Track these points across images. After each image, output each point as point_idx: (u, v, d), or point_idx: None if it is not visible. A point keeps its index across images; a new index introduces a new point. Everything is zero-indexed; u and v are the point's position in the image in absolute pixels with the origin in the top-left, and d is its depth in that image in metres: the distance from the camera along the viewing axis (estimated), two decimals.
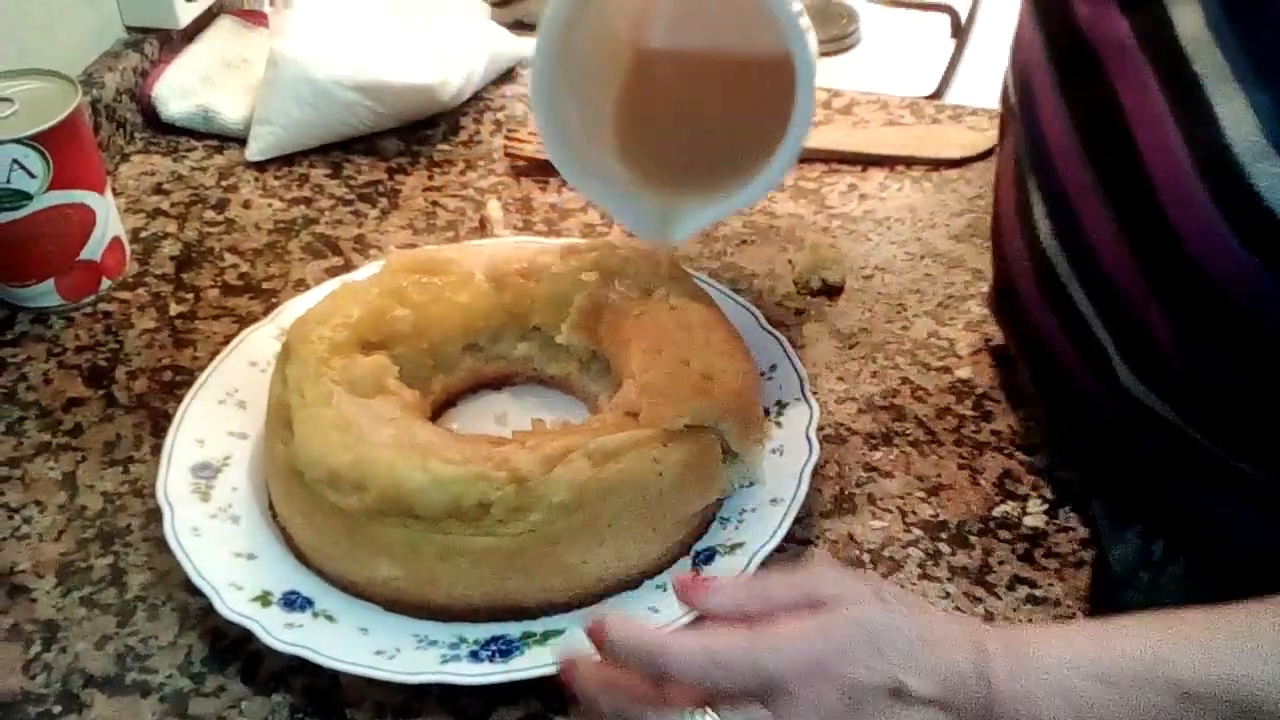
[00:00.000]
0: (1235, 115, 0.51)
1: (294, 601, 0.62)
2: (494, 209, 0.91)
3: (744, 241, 0.90)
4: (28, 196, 0.79)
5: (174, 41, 1.06)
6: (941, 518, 0.69)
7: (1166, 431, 0.62)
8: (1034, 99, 0.64)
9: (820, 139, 1.00)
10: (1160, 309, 0.57)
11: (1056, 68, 0.62)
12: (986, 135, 1.00)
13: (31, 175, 0.78)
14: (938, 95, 1.14)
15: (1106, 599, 0.71)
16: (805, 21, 0.59)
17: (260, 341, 0.76)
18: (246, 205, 0.94)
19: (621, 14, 0.67)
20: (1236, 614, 0.51)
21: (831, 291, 0.85)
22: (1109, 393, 0.63)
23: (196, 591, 0.62)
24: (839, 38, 1.22)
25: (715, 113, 0.69)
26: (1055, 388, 0.70)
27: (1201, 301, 0.54)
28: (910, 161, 0.98)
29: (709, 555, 0.64)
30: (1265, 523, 0.63)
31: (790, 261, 0.87)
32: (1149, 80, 0.55)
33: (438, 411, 0.74)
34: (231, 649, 0.62)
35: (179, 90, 1.03)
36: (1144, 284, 0.57)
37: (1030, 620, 0.64)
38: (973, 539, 0.68)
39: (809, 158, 0.98)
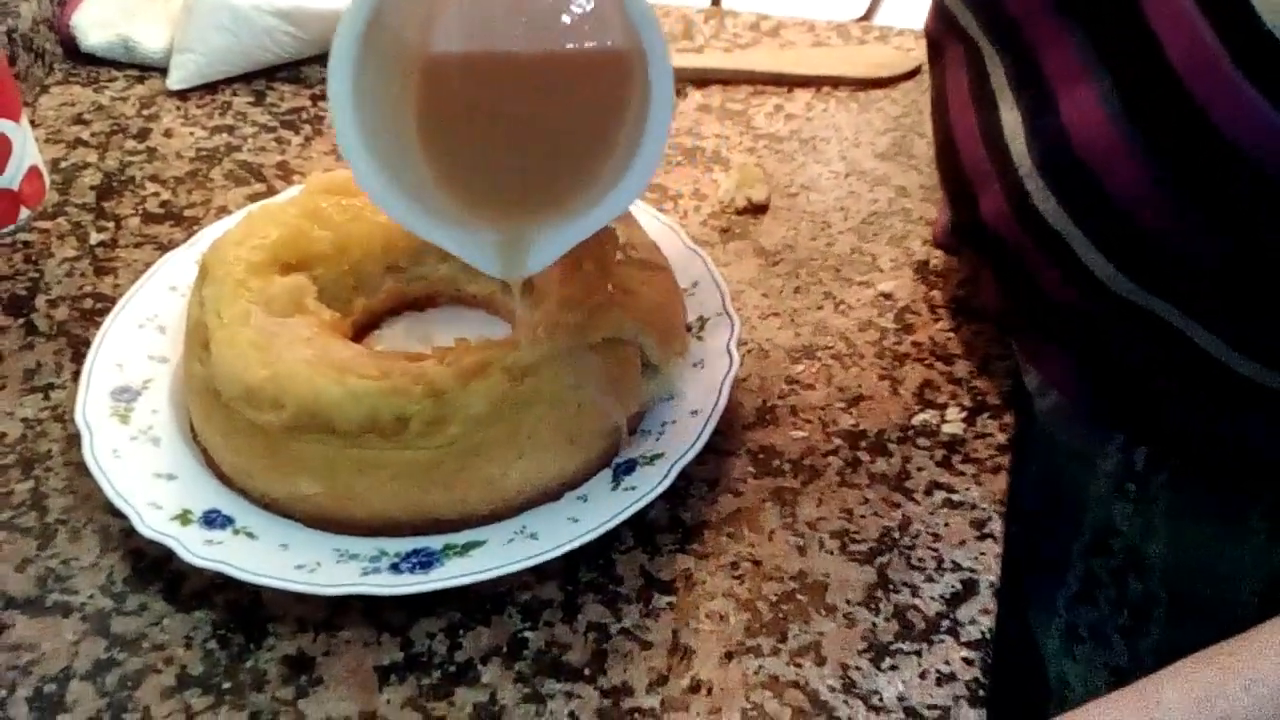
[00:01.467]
0: (1272, 1, 0.50)
1: (214, 520, 0.62)
2: None
3: (670, 163, 0.90)
4: None
5: None
6: (862, 427, 0.70)
7: (1164, 341, 0.62)
8: (1015, 23, 0.64)
9: (747, 61, 0.99)
10: (1183, 213, 0.57)
11: None
12: (912, 55, 1.00)
13: None
14: (867, 18, 1.14)
15: (1088, 512, 0.73)
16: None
17: (180, 266, 0.75)
18: (168, 134, 0.93)
19: (410, 19, 0.57)
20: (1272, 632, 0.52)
21: (756, 210, 0.85)
22: (1099, 307, 0.63)
23: (117, 513, 0.62)
24: None
25: (534, 121, 0.60)
26: (1036, 311, 0.70)
27: (1237, 195, 0.54)
28: (836, 82, 0.98)
29: (629, 466, 0.65)
30: (1268, 432, 0.65)
31: (715, 181, 0.88)
32: None
33: (361, 333, 0.74)
34: (153, 568, 0.62)
35: (98, 20, 1.01)
36: (1159, 190, 0.57)
37: (947, 524, 0.65)
38: (892, 447, 0.69)
39: (735, 80, 0.98)
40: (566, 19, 0.57)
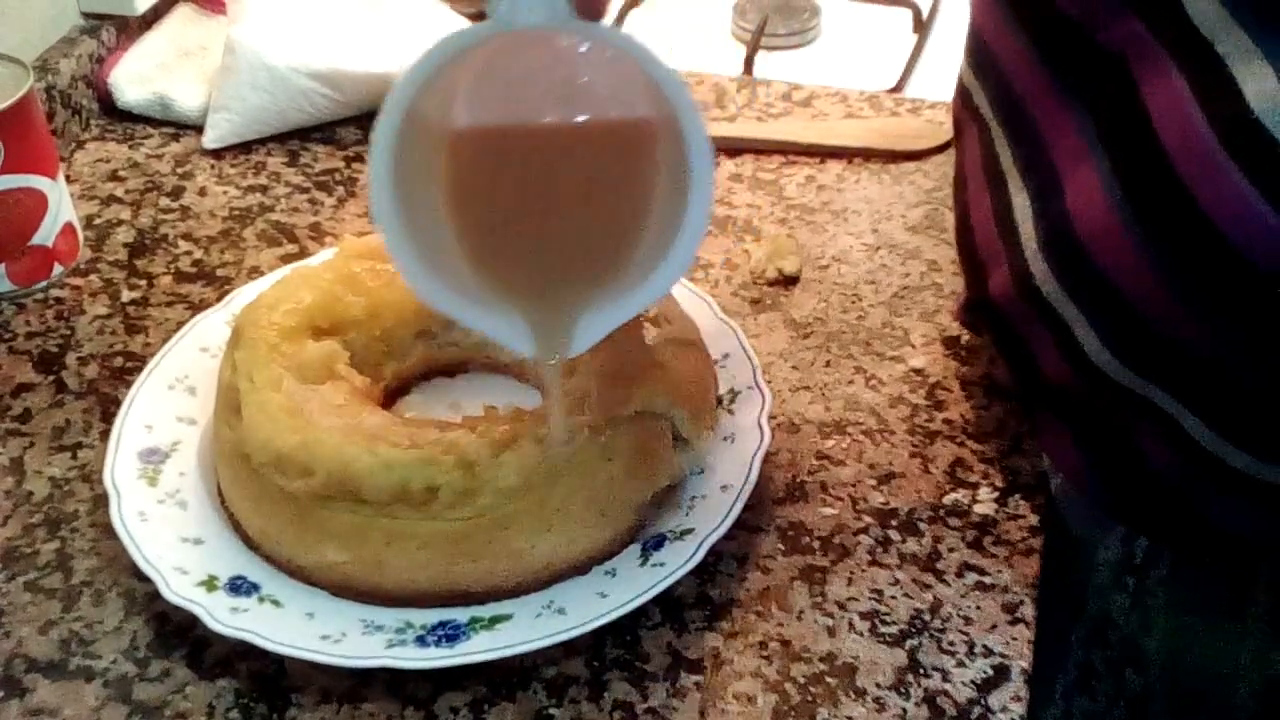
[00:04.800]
0: (1260, 88, 0.51)
1: (240, 586, 0.61)
2: None
3: None
4: None
5: (131, 29, 1.05)
6: (892, 505, 0.70)
7: (1157, 429, 0.62)
8: (1022, 104, 0.64)
9: (779, 131, 1.00)
10: (1176, 299, 0.56)
11: (1054, 71, 0.62)
12: (944, 128, 1.00)
13: None
14: (898, 89, 1.14)
15: (1088, 600, 0.72)
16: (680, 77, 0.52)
17: (212, 327, 0.75)
18: (202, 193, 0.94)
19: (432, 94, 0.54)
20: None
21: (788, 281, 0.85)
22: (1095, 389, 0.63)
23: (143, 577, 0.61)
24: (800, 32, 1.22)
25: (560, 195, 0.58)
26: (1038, 391, 0.70)
27: (1230, 283, 0.54)
28: (868, 154, 0.99)
29: (658, 541, 0.64)
30: (1256, 524, 0.64)
31: (746, 251, 0.88)
32: (1167, 67, 0.55)
33: (391, 398, 0.74)
34: (177, 634, 0.62)
35: (136, 77, 1.02)
36: (1153, 274, 0.57)
37: (979, 607, 0.64)
38: (923, 526, 0.68)
39: (766, 149, 0.98)
40: (587, 87, 0.55)
